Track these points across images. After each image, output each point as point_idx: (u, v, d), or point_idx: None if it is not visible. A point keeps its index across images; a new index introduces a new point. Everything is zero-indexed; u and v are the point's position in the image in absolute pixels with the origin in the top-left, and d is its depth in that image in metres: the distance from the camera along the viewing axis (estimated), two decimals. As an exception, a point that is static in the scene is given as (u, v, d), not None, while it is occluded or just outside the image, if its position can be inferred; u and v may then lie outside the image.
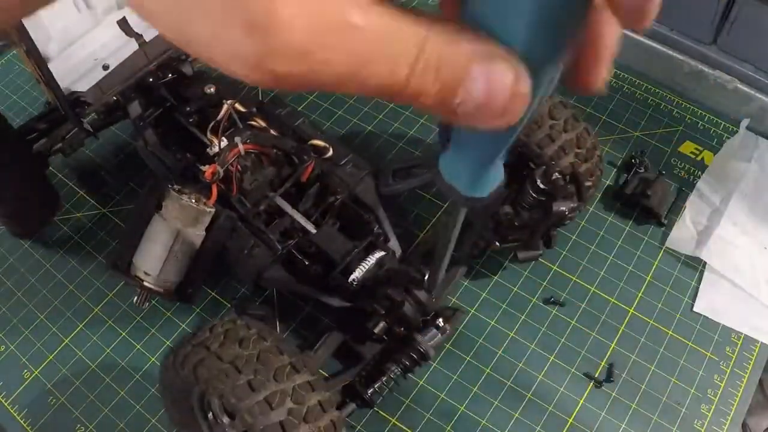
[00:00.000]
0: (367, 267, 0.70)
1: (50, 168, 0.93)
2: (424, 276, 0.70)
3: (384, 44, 0.18)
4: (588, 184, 0.73)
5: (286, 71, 0.18)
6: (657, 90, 1.02)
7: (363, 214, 0.75)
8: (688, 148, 0.96)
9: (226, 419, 0.63)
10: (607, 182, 0.92)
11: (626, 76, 1.04)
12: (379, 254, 0.71)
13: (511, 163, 0.76)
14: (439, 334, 0.69)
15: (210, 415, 0.65)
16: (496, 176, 0.33)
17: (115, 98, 0.82)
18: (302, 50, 0.18)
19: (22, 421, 0.74)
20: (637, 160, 0.91)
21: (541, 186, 0.69)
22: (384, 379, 0.68)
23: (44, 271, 0.86)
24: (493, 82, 0.19)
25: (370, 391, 0.68)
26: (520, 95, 0.20)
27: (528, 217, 0.71)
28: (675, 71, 1.01)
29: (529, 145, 0.72)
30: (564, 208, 0.67)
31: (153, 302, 0.79)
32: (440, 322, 0.69)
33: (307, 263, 0.72)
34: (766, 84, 0.94)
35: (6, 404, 0.76)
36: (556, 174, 0.69)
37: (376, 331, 0.69)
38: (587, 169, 0.73)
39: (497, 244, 0.75)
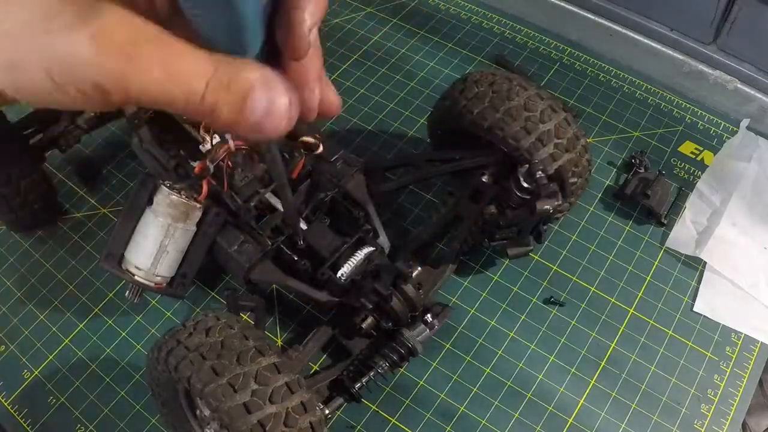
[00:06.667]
0: (355, 262, 0.70)
1: (50, 168, 0.93)
2: (413, 271, 0.70)
3: (186, 60, 0.24)
4: (573, 180, 0.73)
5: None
6: (657, 90, 1.02)
7: (353, 211, 0.76)
8: (688, 148, 0.96)
9: (208, 412, 0.63)
10: (607, 182, 0.92)
11: (626, 76, 1.04)
12: (367, 250, 0.72)
13: (495, 161, 0.76)
14: (427, 330, 0.69)
15: (198, 412, 0.65)
16: None
17: None
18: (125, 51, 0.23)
19: (22, 421, 0.74)
20: (637, 160, 0.91)
21: (525, 184, 0.69)
22: (372, 374, 0.68)
23: (44, 271, 0.86)
24: (273, 96, 0.25)
25: (357, 386, 0.68)
26: (294, 112, 0.26)
27: (513, 215, 0.71)
28: (675, 71, 1.01)
29: (505, 139, 0.72)
30: (548, 207, 0.67)
31: (145, 296, 0.79)
32: (428, 317, 0.69)
33: (296, 258, 0.72)
34: (766, 84, 0.94)
35: (6, 404, 0.76)
36: (539, 172, 0.69)
37: (363, 326, 0.69)
38: (570, 159, 0.72)
39: (486, 241, 0.75)
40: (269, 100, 0.25)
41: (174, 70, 0.24)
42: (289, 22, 0.27)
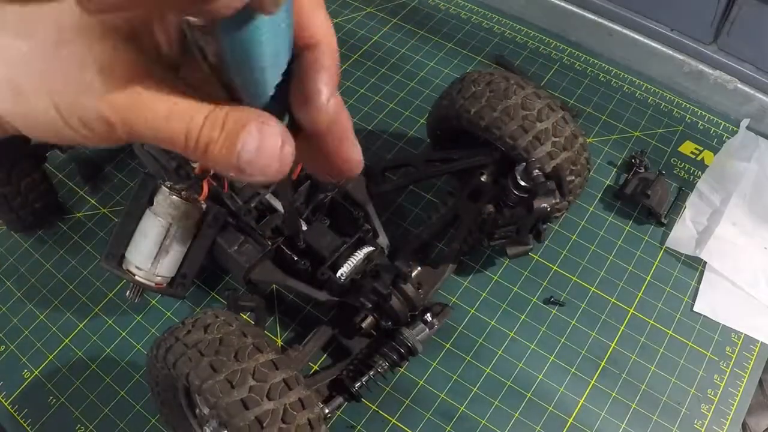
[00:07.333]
0: (355, 262, 0.71)
1: (50, 168, 0.94)
2: (413, 271, 0.70)
3: (189, 99, 0.24)
4: (571, 177, 0.73)
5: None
6: (657, 90, 1.02)
7: (352, 211, 0.76)
8: (688, 148, 0.96)
9: (207, 410, 0.63)
10: (607, 182, 0.92)
11: (626, 76, 1.04)
12: (367, 249, 0.72)
13: (494, 161, 0.77)
14: (427, 329, 0.69)
15: (197, 411, 0.65)
16: None
17: None
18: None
19: (22, 421, 0.74)
20: (637, 160, 0.91)
21: (522, 183, 0.69)
22: (371, 373, 0.68)
23: (44, 271, 0.86)
24: (264, 135, 0.25)
25: (357, 385, 0.68)
26: (287, 155, 0.25)
27: (511, 214, 0.71)
28: (675, 71, 1.01)
29: (503, 137, 0.72)
30: (545, 205, 0.67)
31: (145, 296, 0.79)
32: (428, 317, 0.69)
33: (296, 258, 0.72)
34: (766, 84, 0.94)
35: (6, 404, 0.76)
36: (536, 171, 0.69)
37: (363, 325, 0.69)
38: (567, 157, 0.72)
39: (486, 241, 0.75)
40: (261, 140, 0.24)
41: (178, 108, 0.24)
42: (305, 94, 0.27)
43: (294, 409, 0.55)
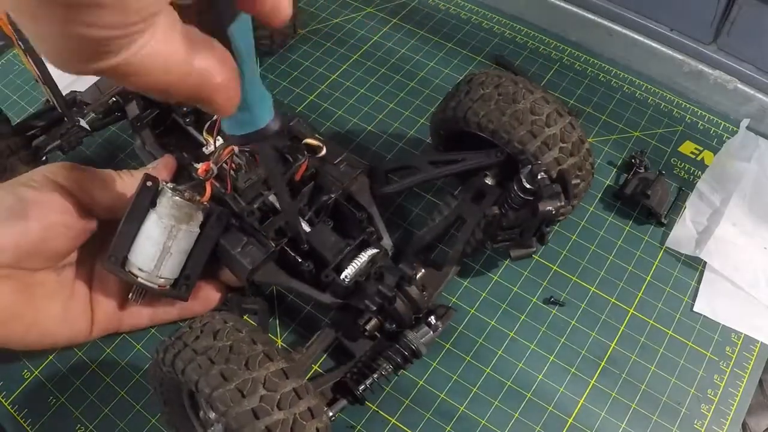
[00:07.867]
0: (359, 264, 0.70)
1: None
2: (417, 273, 0.70)
3: None
4: (576, 181, 0.73)
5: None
6: (657, 90, 1.02)
7: (356, 213, 0.76)
8: (688, 148, 0.96)
9: (212, 414, 0.63)
10: (607, 182, 0.92)
11: (626, 76, 1.04)
12: (371, 252, 0.72)
13: (498, 163, 0.76)
14: (431, 332, 0.69)
15: (201, 413, 0.65)
16: (257, 117, 0.47)
17: (114, 99, 0.83)
18: None
19: (22, 421, 0.74)
20: (637, 160, 0.91)
21: (527, 186, 0.69)
22: (375, 376, 0.68)
23: (44, 271, 0.85)
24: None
25: (361, 388, 0.68)
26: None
27: (515, 217, 0.71)
28: (675, 71, 1.01)
29: (511, 142, 0.72)
30: (550, 208, 0.67)
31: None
32: (432, 319, 0.69)
33: (300, 260, 0.72)
34: (766, 84, 0.94)
35: (6, 404, 0.76)
36: (542, 173, 0.68)
37: (367, 328, 0.69)
38: (574, 163, 0.72)
39: (489, 243, 0.75)
40: None
41: None
42: None
43: (304, 418, 0.54)
